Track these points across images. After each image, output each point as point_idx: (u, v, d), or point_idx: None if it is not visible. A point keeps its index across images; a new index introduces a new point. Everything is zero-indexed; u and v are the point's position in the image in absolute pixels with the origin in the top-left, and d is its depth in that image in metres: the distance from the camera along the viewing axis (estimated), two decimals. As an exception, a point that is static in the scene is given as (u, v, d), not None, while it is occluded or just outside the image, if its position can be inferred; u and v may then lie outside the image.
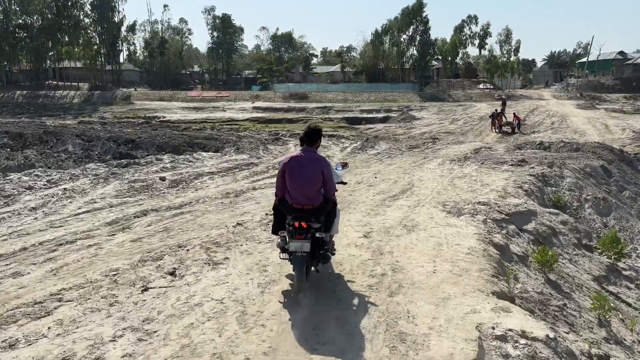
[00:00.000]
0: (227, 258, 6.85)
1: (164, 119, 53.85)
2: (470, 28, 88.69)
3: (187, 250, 7.15)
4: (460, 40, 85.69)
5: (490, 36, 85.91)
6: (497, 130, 35.72)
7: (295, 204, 5.82)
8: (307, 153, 5.94)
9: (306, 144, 6.04)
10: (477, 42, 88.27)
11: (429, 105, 64.45)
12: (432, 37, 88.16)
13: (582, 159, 14.77)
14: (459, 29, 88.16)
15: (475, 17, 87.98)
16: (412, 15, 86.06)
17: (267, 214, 9.11)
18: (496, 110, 46.42)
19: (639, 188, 14.42)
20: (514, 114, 39.00)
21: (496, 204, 9.63)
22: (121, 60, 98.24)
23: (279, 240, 6.12)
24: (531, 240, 8.90)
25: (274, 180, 12.67)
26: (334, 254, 6.36)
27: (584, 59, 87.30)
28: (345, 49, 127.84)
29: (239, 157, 17.27)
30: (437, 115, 53.61)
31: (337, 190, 6.24)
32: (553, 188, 12.07)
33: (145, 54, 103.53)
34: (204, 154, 18.22)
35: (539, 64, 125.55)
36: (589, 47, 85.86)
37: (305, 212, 5.76)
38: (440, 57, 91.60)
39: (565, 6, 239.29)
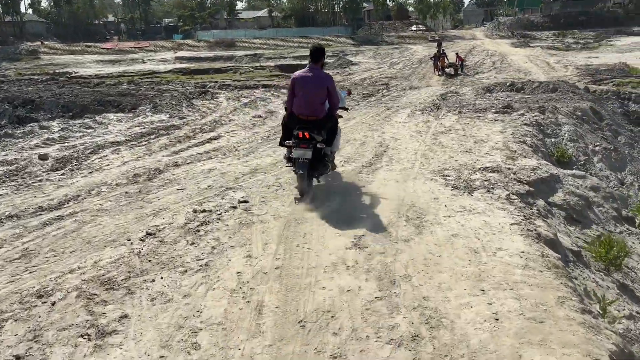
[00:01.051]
0: (126, 317, 3.78)
1: (76, 74, 47.47)
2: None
3: (52, 304, 3.98)
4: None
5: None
6: (439, 73, 33.61)
7: (301, 116, 6.46)
8: (314, 70, 6.54)
9: (312, 61, 6.66)
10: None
11: (364, 49, 61.52)
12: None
13: (567, 100, 12.64)
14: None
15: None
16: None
17: (194, 211, 6.05)
18: (437, 51, 44.29)
19: (629, 131, 12.56)
20: (457, 54, 36.88)
21: (508, 168, 7.09)
22: (22, 10, 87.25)
23: (286, 152, 6.78)
24: (565, 218, 6.51)
25: (204, 149, 9.48)
26: (334, 169, 7.38)
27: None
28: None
29: (157, 117, 13.45)
30: (374, 59, 50.89)
31: (341, 116, 7.26)
32: (553, 139, 9.79)
33: (51, 2, 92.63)
34: (111, 115, 14.31)
35: (466, 2, 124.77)
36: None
37: (310, 123, 6.37)
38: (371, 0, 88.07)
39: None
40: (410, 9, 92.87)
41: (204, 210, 5.96)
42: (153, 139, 10.89)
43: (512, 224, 5.22)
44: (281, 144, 6.90)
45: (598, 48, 45.75)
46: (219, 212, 5.90)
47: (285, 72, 42.57)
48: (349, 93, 7.03)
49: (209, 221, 5.63)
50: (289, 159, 6.68)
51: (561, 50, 48.35)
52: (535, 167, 7.29)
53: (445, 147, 8.72)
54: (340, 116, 7.43)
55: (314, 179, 6.68)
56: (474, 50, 48.48)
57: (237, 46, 70.70)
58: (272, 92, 18.52)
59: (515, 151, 8.07)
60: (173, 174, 7.88)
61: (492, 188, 6.36)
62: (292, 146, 6.40)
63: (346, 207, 6.01)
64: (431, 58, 36.55)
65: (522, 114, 10.58)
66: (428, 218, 5.49)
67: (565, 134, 9.95)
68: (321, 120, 6.50)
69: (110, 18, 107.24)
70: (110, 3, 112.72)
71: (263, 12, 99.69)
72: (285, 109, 6.86)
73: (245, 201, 6.35)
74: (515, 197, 6.11)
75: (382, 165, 7.93)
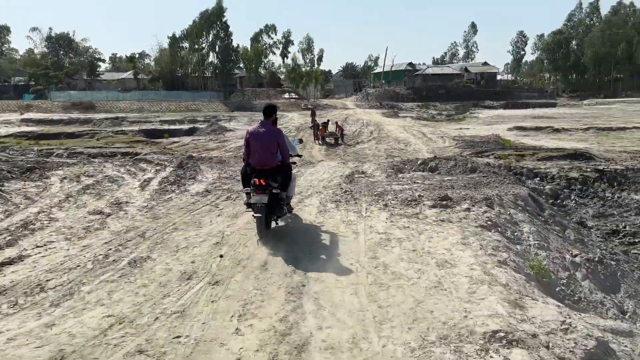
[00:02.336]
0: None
1: None
2: (270, 36, 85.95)
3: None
4: (261, 49, 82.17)
5: (293, 44, 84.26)
6: (320, 142, 31.88)
7: (257, 166, 7.29)
8: (266, 126, 7.36)
9: (264, 117, 7.47)
10: (279, 50, 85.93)
11: (238, 114, 59.11)
12: (234, 44, 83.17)
13: (497, 184, 10.52)
14: (255, 38, 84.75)
15: (274, 27, 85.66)
16: (213, 20, 79.83)
17: None
18: (313, 120, 42.80)
19: (568, 220, 10.65)
20: (336, 123, 35.68)
21: (531, 334, 4.00)
22: None
23: (245, 197, 7.51)
24: None
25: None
26: (291, 212, 8.09)
27: (379, 70, 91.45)
28: (138, 55, 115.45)
29: None
30: (249, 125, 48.43)
31: (295, 163, 8.21)
32: (518, 246, 7.17)
33: None
34: None
35: (334, 73, 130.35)
36: (384, 57, 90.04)
37: (265, 172, 7.18)
38: (242, 66, 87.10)
39: (358, 20, 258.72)
40: (282, 77, 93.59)
41: None
42: None
43: None
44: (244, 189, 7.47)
45: (464, 120, 47.81)
46: None
47: (151, 138, 38.02)
48: (301, 141, 8.06)
49: None
50: (248, 205, 7.33)
51: (431, 120, 49.99)
52: (562, 322, 4.35)
53: (398, 277, 5.41)
54: (294, 163, 8.18)
55: (273, 222, 7.42)
56: (349, 119, 48.30)
57: (98, 108, 64.54)
58: (128, 166, 14.27)
59: (508, 285, 5.14)
60: None
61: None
62: (250, 193, 7.11)
63: None
64: (311, 127, 34.87)
65: (468, 209, 7.96)
66: None
67: (528, 237, 7.45)
68: (275, 168, 7.23)
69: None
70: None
71: (128, 74, 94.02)
72: (243, 159, 7.64)
73: None
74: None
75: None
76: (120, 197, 9.92)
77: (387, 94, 79.70)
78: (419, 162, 13.04)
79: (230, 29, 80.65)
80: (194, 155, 17.74)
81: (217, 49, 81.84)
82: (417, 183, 10.89)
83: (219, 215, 8.31)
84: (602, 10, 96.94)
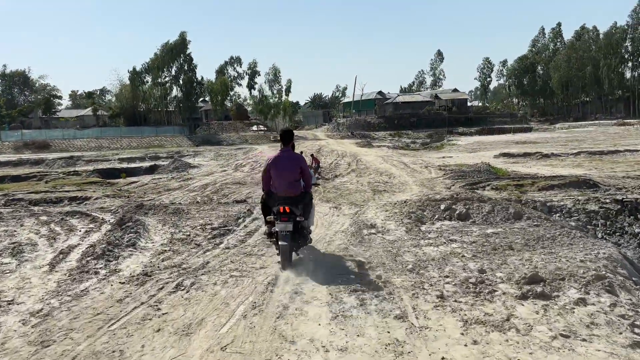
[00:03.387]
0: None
1: None
2: (235, 69, 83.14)
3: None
4: (226, 81, 79.16)
5: (259, 75, 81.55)
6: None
7: (280, 194, 7.07)
8: (286, 152, 7.20)
9: (282, 144, 7.31)
10: (245, 81, 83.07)
11: (203, 149, 55.49)
12: (198, 76, 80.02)
13: (567, 236, 7.42)
14: (221, 71, 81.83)
15: (239, 59, 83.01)
16: (176, 52, 76.67)
17: None
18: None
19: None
20: (312, 156, 32.38)
21: None
22: None
23: (266, 228, 7.38)
24: None
25: None
26: (311, 241, 7.55)
27: (349, 99, 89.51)
28: (98, 91, 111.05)
29: None
30: (216, 161, 44.87)
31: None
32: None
33: None
34: None
35: (302, 104, 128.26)
36: (353, 86, 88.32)
37: (289, 199, 6.96)
38: (208, 99, 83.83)
39: (324, 52, 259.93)
40: (250, 109, 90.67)
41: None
42: None
43: None
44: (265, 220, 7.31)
45: (443, 148, 45.37)
46: None
47: (107, 178, 33.97)
48: (316, 170, 8.07)
49: None
50: (269, 235, 7.27)
51: (407, 149, 47.32)
52: None
53: None
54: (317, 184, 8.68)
55: (293, 253, 7.12)
56: (322, 151, 45.28)
57: (53, 148, 60.13)
58: (55, 223, 10.59)
59: None
60: None
61: None
62: (273, 221, 6.98)
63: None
64: (284, 161, 31.63)
65: (582, 300, 4.69)
66: None
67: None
68: (298, 196, 7.10)
69: None
70: None
71: (87, 111, 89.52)
72: (263, 189, 7.41)
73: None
74: None
75: None
76: (7, 288, 6.25)
77: (358, 123, 77.50)
78: (442, 207, 9.78)
79: (194, 62, 77.66)
80: (144, 203, 14.06)
81: (180, 82, 78.52)
82: (456, 241, 7.65)
83: (158, 330, 4.76)
84: (566, 34, 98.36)
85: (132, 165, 43.17)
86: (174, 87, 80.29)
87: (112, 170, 39.34)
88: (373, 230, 8.54)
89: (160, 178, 32.20)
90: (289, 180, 6.98)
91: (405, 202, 12.10)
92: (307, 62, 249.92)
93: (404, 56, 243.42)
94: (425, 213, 9.76)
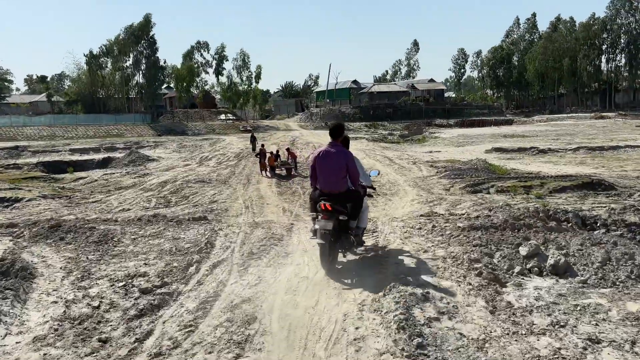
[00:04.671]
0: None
1: None
2: (202, 55, 78.08)
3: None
4: (192, 66, 74.13)
5: (227, 60, 76.80)
6: (268, 174, 24.99)
7: (324, 190, 6.75)
8: (334, 147, 6.84)
9: (332, 138, 6.97)
10: (212, 68, 78.14)
11: (165, 140, 51.16)
12: (162, 62, 74.84)
13: None
14: (188, 56, 76.70)
15: (206, 44, 78.01)
16: (138, 35, 71.38)
17: None
18: (252, 144, 35.64)
19: None
20: (288, 149, 28.79)
21: None
22: None
23: (313, 225, 6.84)
24: None
25: None
26: (361, 244, 7.12)
27: (323, 88, 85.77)
28: (57, 76, 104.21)
29: None
30: (178, 153, 40.76)
31: (370, 195, 8.03)
32: None
33: None
34: None
35: (273, 93, 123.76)
36: (327, 74, 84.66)
37: (332, 196, 6.61)
38: (172, 86, 78.75)
39: (296, 39, 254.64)
40: (218, 97, 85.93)
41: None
42: None
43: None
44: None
45: (427, 141, 42.32)
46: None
47: (53, 172, 29.62)
48: (379, 173, 7.02)
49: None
50: (314, 232, 6.79)
51: (388, 142, 44.08)
52: None
53: None
54: (371, 195, 7.90)
55: (340, 254, 6.80)
56: (297, 143, 41.86)
57: (-1, 136, 54.79)
58: None
59: None
60: None
61: None
62: (315, 218, 6.68)
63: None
64: (256, 155, 27.85)
65: None
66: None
67: None
68: (344, 193, 6.71)
69: None
70: None
71: (41, 97, 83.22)
72: (311, 184, 7.14)
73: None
74: None
75: None
76: None
77: (333, 113, 73.95)
78: (523, 253, 6.25)
79: (157, 46, 72.52)
80: (65, 221, 10.18)
81: (142, 67, 73.35)
82: (595, 340, 4.21)
83: None
84: (541, 25, 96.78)
85: (85, 157, 38.76)
86: (137, 73, 75.12)
87: (59, 164, 34.91)
88: (432, 311, 4.99)
89: (113, 173, 28.08)
90: (333, 176, 6.66)
91: (426, 219, 8.67)
92: (278, 49, 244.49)
93: (379, 45, 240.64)
94: (494, 260, 6.26)
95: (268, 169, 25.14)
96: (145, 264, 6.95)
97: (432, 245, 7.28)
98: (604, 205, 16.29)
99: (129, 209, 16.05)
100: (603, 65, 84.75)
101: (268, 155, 25.54)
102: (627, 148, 30.41)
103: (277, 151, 27.06)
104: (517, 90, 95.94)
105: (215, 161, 33.63)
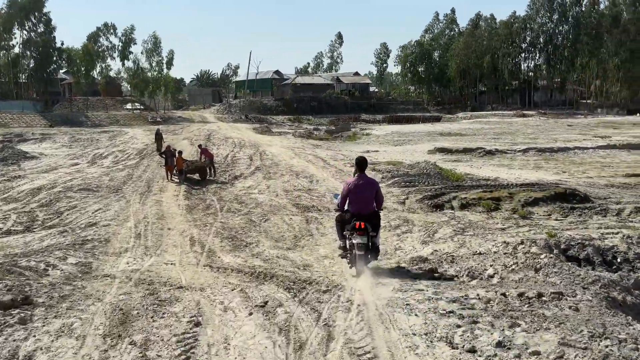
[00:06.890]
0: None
1: None
2: (108, 38, 69.35)
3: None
4: (92, 48, 65.33)
5: (136, 44, 68.82)
6: (176, 179, 19.69)
7: (355, 212, 7.93)
8: (364, 178, 8.09)
9: (359, 170, 8.16)
10: (118, 52, 69.56)
11: (56, 131, 43.50)
12: (59, 43, 65.53)
13: None
14: (92, 38, 67.73)
15: (114, 26, 69.43)
16: (28, 9, 61.72)
17: None
18: (157, 143, 29.39)
19: None
20: (200, 147, 23.45)
21: None
22: None
23: (340, 242, 8.26)
24: None
25: None
26: (378, 253, 8.28)
27: (242, 78, 79.94)
28: None
29: None
30: (68, 148, 33.93)
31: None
32: None
33: None
34: None
35: (187, 82, 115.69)
36: (247, 63, 79.03)
37: (363, 216, 7.80)
38: (71, 71, 69.31)
39: (213, 26, 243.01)
40: (125, 83, 77.37)
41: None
42: None
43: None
44: (340, 237, 8.32)
45: (359, 139, 38.50)
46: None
47: None
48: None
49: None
50: (344, 249, 8.10)
51: (316, 139, 39.72)
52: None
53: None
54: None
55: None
56: (214, 138, 36.28)
57: None
58: None
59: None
60: None
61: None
62: (348, 237, 7.80)
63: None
64: (161, 155, 22.25)
65: None
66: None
67: None
68: (371, 214, 7.99)
69: None
70: None
71: None
72: (337, 207, 8.50)
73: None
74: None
75: None
76: None
77: (254, 105, 68.66)
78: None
79: (54, 25, 63.30)
80: None
81: (33, 48, 63.87)
82: None
83: None
84: (460, 22, 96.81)
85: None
86: (27, 54, 65.38)
87: None
88: None
89: (-32, 176, 21.45)
90: (366, 202, 7.94)
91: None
92: (194, 35, 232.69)
93: (301, 36, 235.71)
94: None
95: (175, 172, 19.84)
96: None
97: None
98: (610, 229, 12.90)
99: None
100: (522, 64, 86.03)
101: (177, 155, 20.13)
102: (577, 150, 28.44)
103: (202, 152, 21.59)
104: (438, 87, 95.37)
105: (111, 160, 27.63)
